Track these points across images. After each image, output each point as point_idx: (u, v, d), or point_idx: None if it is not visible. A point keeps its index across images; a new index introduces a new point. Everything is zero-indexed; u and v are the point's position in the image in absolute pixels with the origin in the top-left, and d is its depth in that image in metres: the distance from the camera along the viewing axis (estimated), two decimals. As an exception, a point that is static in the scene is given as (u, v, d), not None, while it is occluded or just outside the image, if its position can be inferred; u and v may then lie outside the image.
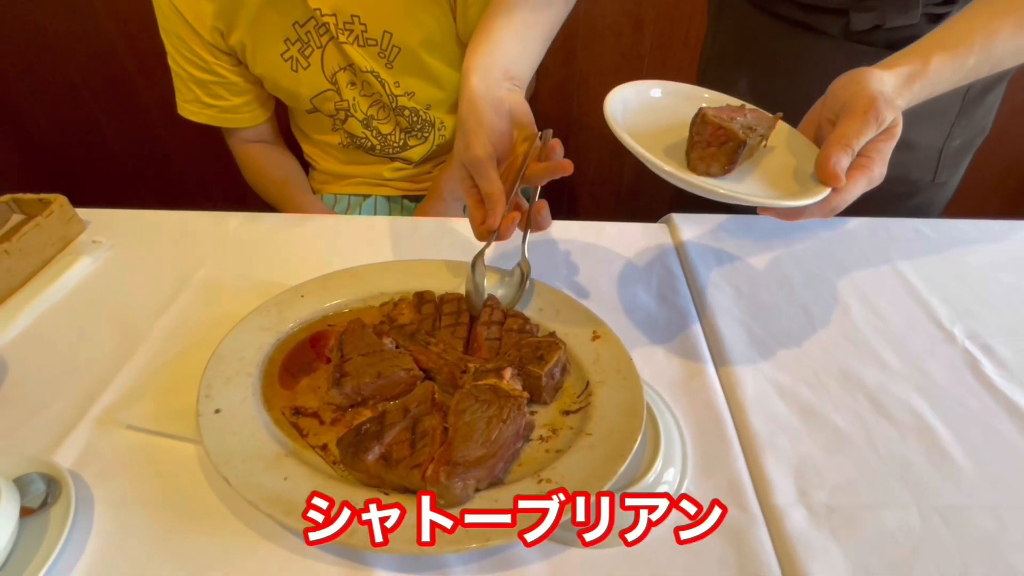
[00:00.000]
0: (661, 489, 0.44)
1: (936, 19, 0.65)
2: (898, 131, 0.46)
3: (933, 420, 0.49)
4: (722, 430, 0.48)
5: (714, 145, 0.44)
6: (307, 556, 0.39)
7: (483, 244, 0.53)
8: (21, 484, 0.41)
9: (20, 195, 0.69)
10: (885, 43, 0.67)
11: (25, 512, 0.40)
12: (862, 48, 0.68)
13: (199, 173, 1.51)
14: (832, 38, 0.70)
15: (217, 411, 0.45)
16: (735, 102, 0.52)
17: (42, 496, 0.41)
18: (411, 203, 1.01)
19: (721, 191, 0.42)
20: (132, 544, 0.40)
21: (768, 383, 0.52)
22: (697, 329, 0.57)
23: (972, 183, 0.84)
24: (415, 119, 0.91)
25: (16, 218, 0.70)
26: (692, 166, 0.45)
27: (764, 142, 0.49)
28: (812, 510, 0.42)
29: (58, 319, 0.59)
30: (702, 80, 0.91)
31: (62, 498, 0.41)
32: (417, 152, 0.95)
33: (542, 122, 0.51)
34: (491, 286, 0.55)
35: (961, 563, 0.40)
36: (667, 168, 0.42)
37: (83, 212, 0.72)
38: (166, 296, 0.61)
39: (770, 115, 0.50)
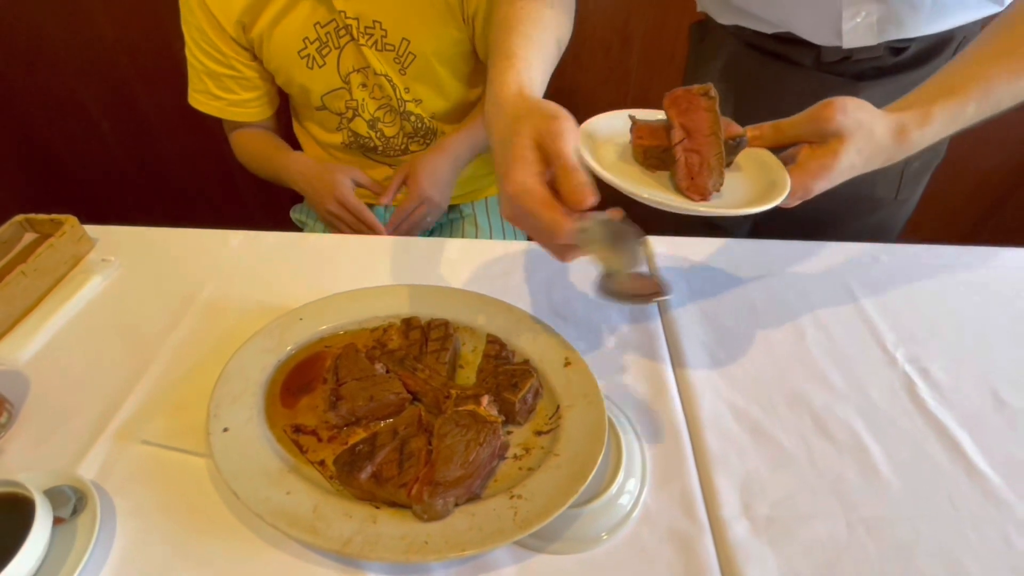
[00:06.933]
0: (623, 499, 0.50)
1: (898, 51, 0.70)
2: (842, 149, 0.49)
3: (868, 439, 0.54)
4: (679, 446, 0.54)
5: (654, 157, 0.50)
6: (308, 561, 0.45)
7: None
8: (52, 495, 0.46)
9: (32, 215, 0.73)
10: (852, 73, 0.73)
11: (57, 521, 0.45)
12: (832, 78, 0.73)
13: (199, 176, 1.54)
14: (805, 68, 0.75)
15: (225, 430, 0.50)
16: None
17: (71, 506, 0.46)
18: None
19: (702, 210, 0.47)
20: (152, 550, 0.46)
21: (724, 404, 0.57)
22: (664, 352, 0.63)
23: (935, 206, 0.89)
24: (419, 125, 0.95)
25: (28, 237, 0.74)
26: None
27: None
28: (754, 521, 0.48)
29: (74, 337, 0.64)
30: None
31: (88, 508, 0.46)
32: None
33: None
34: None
35: (880, 569, 0.45)
36: (646, 195, 0.47)
37: (91, 229, 0.76)
38: (173, 314, 0.66)
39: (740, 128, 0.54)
